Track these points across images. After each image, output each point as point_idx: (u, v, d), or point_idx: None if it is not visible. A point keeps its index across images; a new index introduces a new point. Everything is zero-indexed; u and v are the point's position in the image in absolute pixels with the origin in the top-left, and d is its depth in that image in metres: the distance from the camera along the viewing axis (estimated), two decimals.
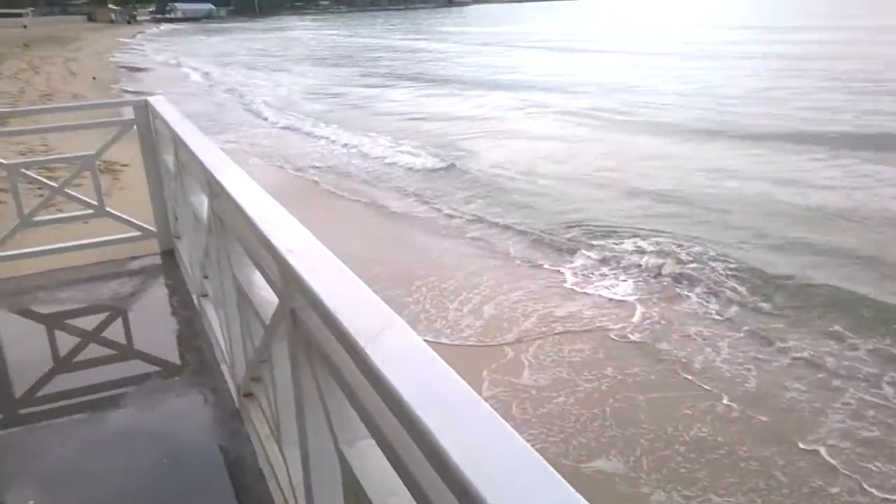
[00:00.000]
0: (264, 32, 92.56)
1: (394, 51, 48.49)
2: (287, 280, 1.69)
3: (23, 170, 4.83)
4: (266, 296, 2.23)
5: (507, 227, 9.59)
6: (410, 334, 1.20)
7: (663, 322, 6.72)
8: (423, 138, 15.96)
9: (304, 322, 1.61)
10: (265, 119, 20.15)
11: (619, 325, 6.66)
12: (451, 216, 10.25)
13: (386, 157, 14.03)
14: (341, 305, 1.30)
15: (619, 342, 6.35)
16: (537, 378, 5.73)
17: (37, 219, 4.81)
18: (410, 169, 13.08)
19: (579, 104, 20.42)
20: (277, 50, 54.56)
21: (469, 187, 11.64)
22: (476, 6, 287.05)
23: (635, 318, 6.80)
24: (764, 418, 5.13)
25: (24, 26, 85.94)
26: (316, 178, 12.73)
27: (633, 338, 6.40)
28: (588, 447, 4.84)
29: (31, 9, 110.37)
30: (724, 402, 5.34)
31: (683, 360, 5.98)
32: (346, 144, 15.51)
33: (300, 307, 1.63)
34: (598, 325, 6.69)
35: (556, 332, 6.51)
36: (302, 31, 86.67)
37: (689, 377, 5.71)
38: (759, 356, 6.03)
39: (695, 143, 14.62)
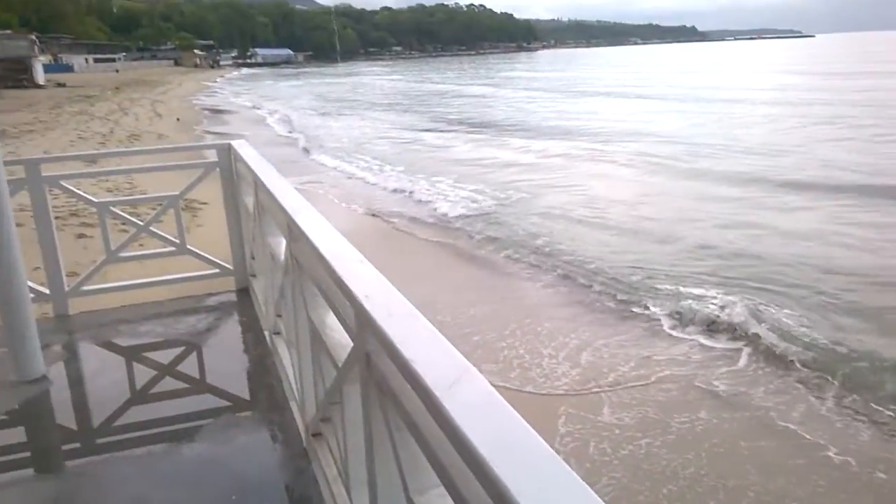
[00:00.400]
0: (338, 77, 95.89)
1: (461, 96, 49.30)
2: (362, 324, 1.72)
3: (111, 207, 5.10)
4: (339, 338, 2.27)
5: (585, 271, 9.46)
6: (485, 385, 1.21)
7: (762, 371, 6.50)
8: (489, 183, 16.06)
9: (377, 367, 1.63)
10: (336, 160, 20.70)
11: (714, 372, 6.48)
12: (523, 261, 10.18)
13: (452, 201, 14.17)
14: (417, 353, 1.32)
15: (710, 389, 6.17)
16: (624, 420, 5.62)
17: (122, 254, 5.05)
18: (476, 212, 13.17)
19: (647, 150, 20.21)
20: (349, 95, 56.31)
21: (540, 232, 11.56)
22: (546, 51, 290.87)
23: (738, 365, 6.62)
24: (883, 475, 4.87)
25: (117, 70, 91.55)
26: (385, 220, 12.96)
27: (725, 386, 6.21)
28: (682, 498, 4.68)
29: (124, 54, 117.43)
30: (832, 454, 5.11)
31: (782, 409, 5.77)
32: (412, 187, 15.75)
33: (374, 351, 1.66)
34: (690, 372, 6.53)
35: (649, 380, 6.37)
36: (374, 77, 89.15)
37: (791, 426, 5.51)
38: (865, 410, 5.76)
39: (771, 194, 14.09)
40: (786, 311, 7.84)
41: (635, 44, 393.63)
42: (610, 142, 22.72)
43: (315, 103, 47.41)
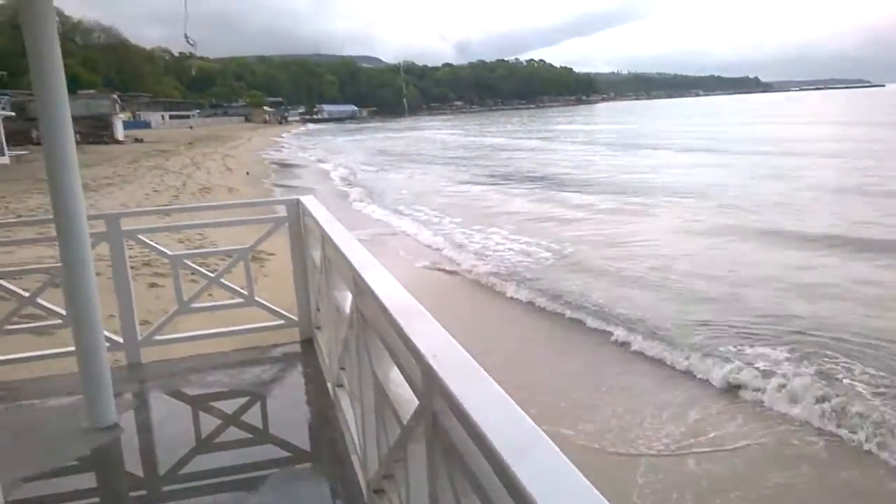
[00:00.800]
0: (401, 131, 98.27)
1: (518, 150, 49.67)
2: (429, 384, 1.72)
3: (185, 260, 5.29)
4: (404, 394, 2.26)
5: (646, 329, 9.21)
6: (556, 452, 1.19)
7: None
8: (546, 236, 16.04)
9: (444, 427, 1.62)
10: (395, 213, 21.05)
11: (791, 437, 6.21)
12: (582, 317, 10.00)
13: (509, 253, 14.19)
14: (486, 416, 1.31)
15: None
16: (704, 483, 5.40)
17: (193, 305, 5.21)
18: (535, 264, 13.12)
19: (706, 205, 19.81)
20: (410, 149, 57.52)
21: (600, 287, 11.40)
22: (605, 103, 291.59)
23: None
24: None
25: (191, 127, 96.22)
26: (445, 272, 13.01)
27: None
28: None
29: (198, 111, 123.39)
30: None
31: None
32: (468, 240, 15.87)
33: (441, 411, 1.65)
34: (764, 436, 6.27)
35: (728, 444, 6.16)
36: (434, 132, 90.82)
37: None
38: None
39: (838, 256, 13.40)
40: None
41: (696, 95, 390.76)
42: (665, 196, 22.37)
43: (377, 157, 48.57)
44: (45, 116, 3.68)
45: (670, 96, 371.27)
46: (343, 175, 35.26)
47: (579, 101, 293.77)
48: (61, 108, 3.69)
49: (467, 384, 1.48)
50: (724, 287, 11.27)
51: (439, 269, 13.35)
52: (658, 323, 9.45)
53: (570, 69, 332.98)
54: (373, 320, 2.62)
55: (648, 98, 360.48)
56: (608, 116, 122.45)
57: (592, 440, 6.27)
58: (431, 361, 1.64)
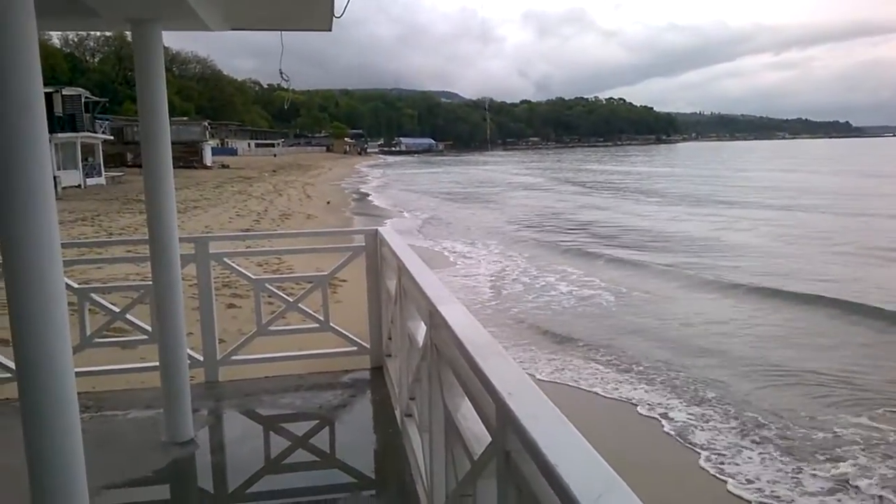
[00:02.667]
0: (474, 166, 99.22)
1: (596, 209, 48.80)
2: (504, 422, 1.71)
3: (266, 284, 5.47)
4: (475, 429, 2.25)
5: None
6: (634, 499, 1.17)
7: None
8: (619, 286, 15.67)
9: (517, 466, 1.61)
10: (468, 248, 21.14)
11: None
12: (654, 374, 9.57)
13: (578, 301, 14.01)
14: (562, 459, 1.30)
15: None
16: None
17: (271, 328, 5.36)
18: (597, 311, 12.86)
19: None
20: (484, 184, 57.86)
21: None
22: (686, 143, 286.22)
23: None
24: None
25: (275, 154, 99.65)
26: (519, 314, 12.81)
27: None
28: None
29: (282, 140, 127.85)
30: None
31: None
32: (535, 282, 15.74)
33: (515, 451, 1.64)
34: None
35: None
36: (504, 167, 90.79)
37: None
38: None
39: None
40: None
41: (783, 138, 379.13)
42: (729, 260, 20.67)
43: (450, 190, 48.94)
44: (147, 142, 3.92)
45: (756, 138, 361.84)
46: (415, 207, 35.72)
47: (659, 141, 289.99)
48: (163, 135, 3.93)
49: (543, 424, 1.47)
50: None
51: (506, 305, 13.27)
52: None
53: (650, 108, 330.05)
54: (447, 353, 2.63)
55: (732, 139, 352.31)
56: (692, 159, 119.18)
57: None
58: (507, 399, 1.63)
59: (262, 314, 5.29)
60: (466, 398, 2.33)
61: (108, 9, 3.67)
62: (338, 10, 3.84)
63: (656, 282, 15.78)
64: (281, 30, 4.54)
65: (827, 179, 52.84)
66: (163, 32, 3.87)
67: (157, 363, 4.23)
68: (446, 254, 20.07)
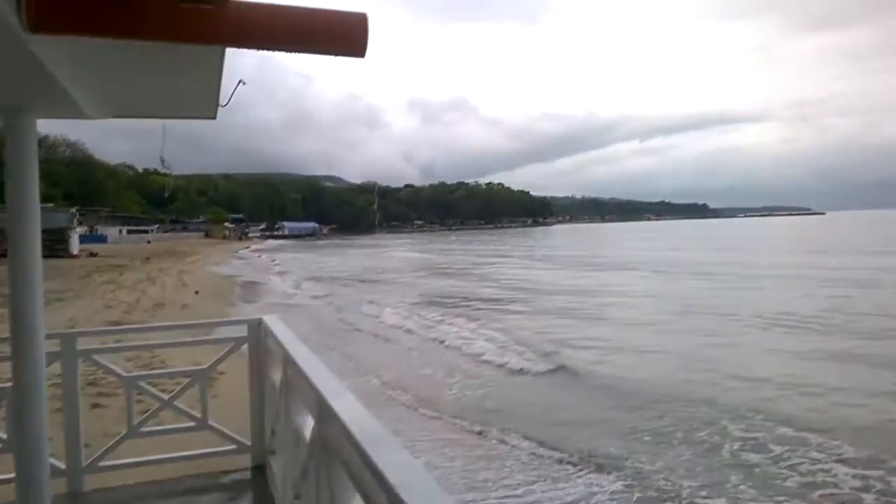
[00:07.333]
0: (360, 248, 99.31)
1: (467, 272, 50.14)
2: None
3: (139, 382, 5.13)
4: None
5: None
6: None
7: None
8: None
9: None
10: (355, 331, 20.88)
11: None
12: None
13: (460, 384, 14.09)
14: None
15: None
16: None
17: (143, 429, 5.00)
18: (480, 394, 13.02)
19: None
20: (370, 265, 57.95)
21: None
22: (560, 225, 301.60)
23: None
24: None
25: (148, 241, 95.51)
26: (406, 396, 12.64)
27: None
28: None
29: (157, 226, 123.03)
30: None
31: None
32: (420, 366, 15.72)
33: None
34: None
35: None
36: (392, 251, 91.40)
37: None
38: None
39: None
40: None
41: (649, 219, 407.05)
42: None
43: (333, 274, 48.50)
44: (15, 231, 3.64)
45: (623, 220, 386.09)
46: (298, 290, 35.11)
47: (536, 223, 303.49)
48: (32, 224, 3.67)
49: None
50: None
51: (399, 391, 13.11)
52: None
53: (528, 192, 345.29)
54: (336, 447, 2.56)
55: (602, 221, 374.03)
56: (566, 236, 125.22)
57: None
58: (401, 492, 1.60)
59: (133, 414, 4.93)
60: (358, 494, 2.26)
61: None
62: (223, 98, 3.81)
63: None
64: (164, 118, 4.43)
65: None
66: (38, 120, 3.69)
67: (13, 475, 3.81)
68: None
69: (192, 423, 5.10)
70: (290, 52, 2.40)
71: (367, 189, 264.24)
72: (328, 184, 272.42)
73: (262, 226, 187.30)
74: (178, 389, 5.18)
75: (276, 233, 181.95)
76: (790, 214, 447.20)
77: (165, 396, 5.11)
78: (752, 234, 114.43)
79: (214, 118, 4.13)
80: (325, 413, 2.68)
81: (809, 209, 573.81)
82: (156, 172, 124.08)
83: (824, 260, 45.64)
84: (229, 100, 3.43)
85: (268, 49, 2.34)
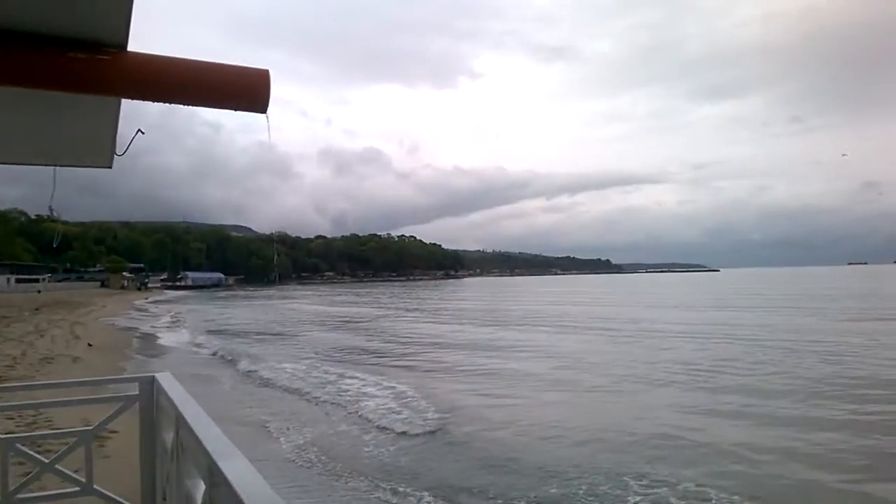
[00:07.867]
0: (268, 300, 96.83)
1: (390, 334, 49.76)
2: None
3: (17, 444, 4.74)
4: None
5: None
6: None
7: None
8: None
9: None
10: (253, 385, 20.24)
11: None
12: None
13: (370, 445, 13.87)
14: None
15: None
16: None
17: (19, 496, 4.61)
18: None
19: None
20: (273, 318, 56.51)
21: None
22: (472, 278, 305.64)
23: None
24: None
25: (39, 291, 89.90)
26: (308, 460, 12.19)
27: None
28: None
29: (49, 275, 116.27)
30: None
31: None
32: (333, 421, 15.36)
33: None
34: None
35: None
36: (299, 304, 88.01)
37: None
38: None
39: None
40: None
41: (555, 273, 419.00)
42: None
43: (232, 327, 46.89)
44: None
45: (531, 273, 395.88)
46: (198, 345, 33.61)
47: (447, 276, 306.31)
48: None
49: None
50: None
51: (296, 452, 12.69)
52: None
53: (440, 245, 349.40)
54: None
55: (512, 275, 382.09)
56: (478, 289, 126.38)
57: None
58: None
59: (8, 480, 4.54)
60: None
61: None
62: (120, 147, 3.68)
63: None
64: (55, 165, 4.23)
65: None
66: None
67: None
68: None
69: (76, 489, 4.74)
70: (191, 105, 2.36)
71: (278, 240, 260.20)
72: (235, 233, 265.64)
73: (164, 276, 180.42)
74: (60, 452, 4.81)
75: (178, 283, 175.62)
76: (688, 271, 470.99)
77: (46, 460, 4.74)
78: (657, 289, 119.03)
79: (110, 167, 3.97)
80: (216, 477, 2.56)
81: (705, 266, 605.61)
82: (49, 219, 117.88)
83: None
84: (126, 149, 3.31)
85: (166, 102, 2.29)
